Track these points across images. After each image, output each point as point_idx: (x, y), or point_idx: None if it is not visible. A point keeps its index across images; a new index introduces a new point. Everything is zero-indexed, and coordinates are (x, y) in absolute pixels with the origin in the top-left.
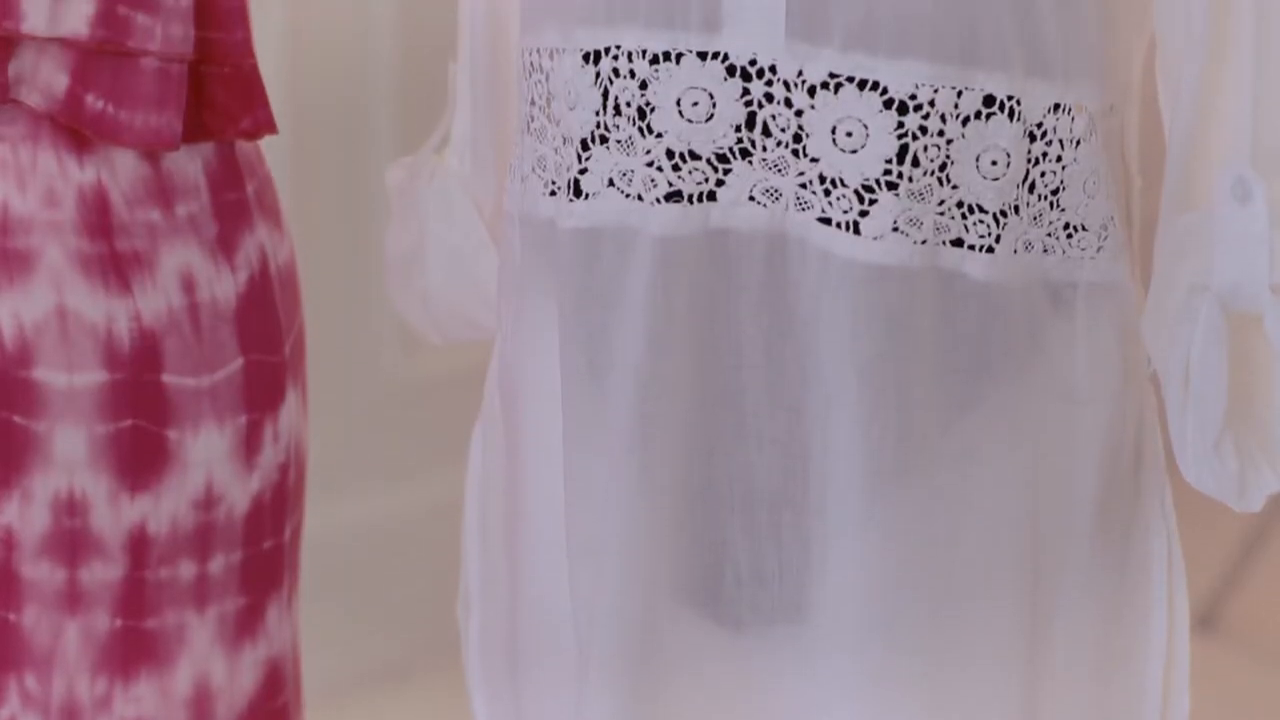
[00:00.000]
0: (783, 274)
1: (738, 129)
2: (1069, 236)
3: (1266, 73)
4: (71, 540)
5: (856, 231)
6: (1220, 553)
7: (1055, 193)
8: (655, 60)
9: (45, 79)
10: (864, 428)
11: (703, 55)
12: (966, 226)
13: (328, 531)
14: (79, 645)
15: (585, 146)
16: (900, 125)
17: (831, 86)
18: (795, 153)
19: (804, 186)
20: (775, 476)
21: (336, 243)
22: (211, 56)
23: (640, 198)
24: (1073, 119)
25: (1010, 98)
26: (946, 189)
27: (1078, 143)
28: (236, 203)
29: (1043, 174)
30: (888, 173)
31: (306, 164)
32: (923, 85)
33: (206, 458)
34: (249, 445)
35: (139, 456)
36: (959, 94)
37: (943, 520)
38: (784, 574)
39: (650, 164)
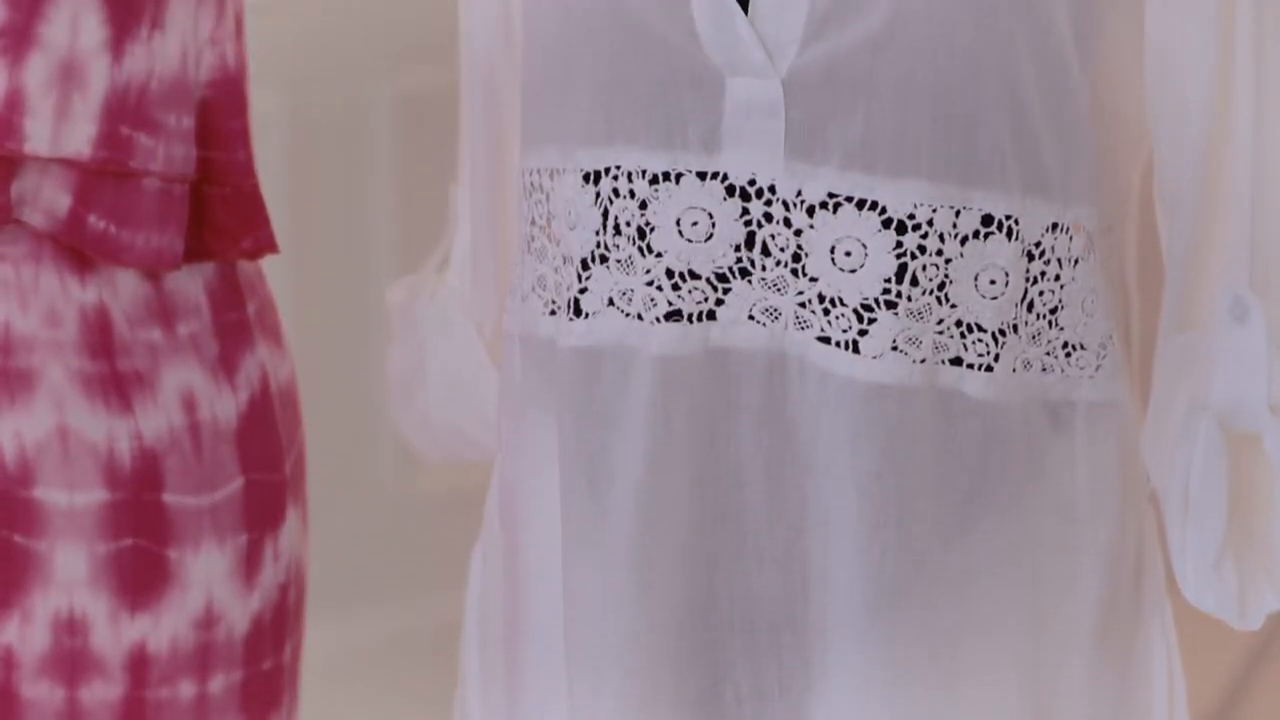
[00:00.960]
0: (782, 393)
1: (737, 248)
2: (1068, 355)
3: (1263, 194)
4: (71, 660)
5: (856, 350)
6: (1223, 670)
7: (1054, 312)
8: (655, 180)
9: (48, 199)
10: (864, 546)
11: (702, 175)
12: (965, 345)
13: (328, 651)
14: None
15: (585, 266)
16: (899, 244)
17: (830, 206)
18: (794, 272)
19: (803, 305)
20: (775, 595)
21: (337, 362)
22: (213, 177)
23: (640, 317)
24: (1071, 238)
25: (1008, 217)
26: (945, 308)
27: (1076, 262)
28: (238, 322)
29: (1041, 293)
30: (886, 292)
31: (308, 284)
32: (921, 205)
33: (207, 577)
34: (249, 564)
35: (139, 576)
36: (957, 213)
37: (943, 639)
38: (784, 692)
39: (650, 283)
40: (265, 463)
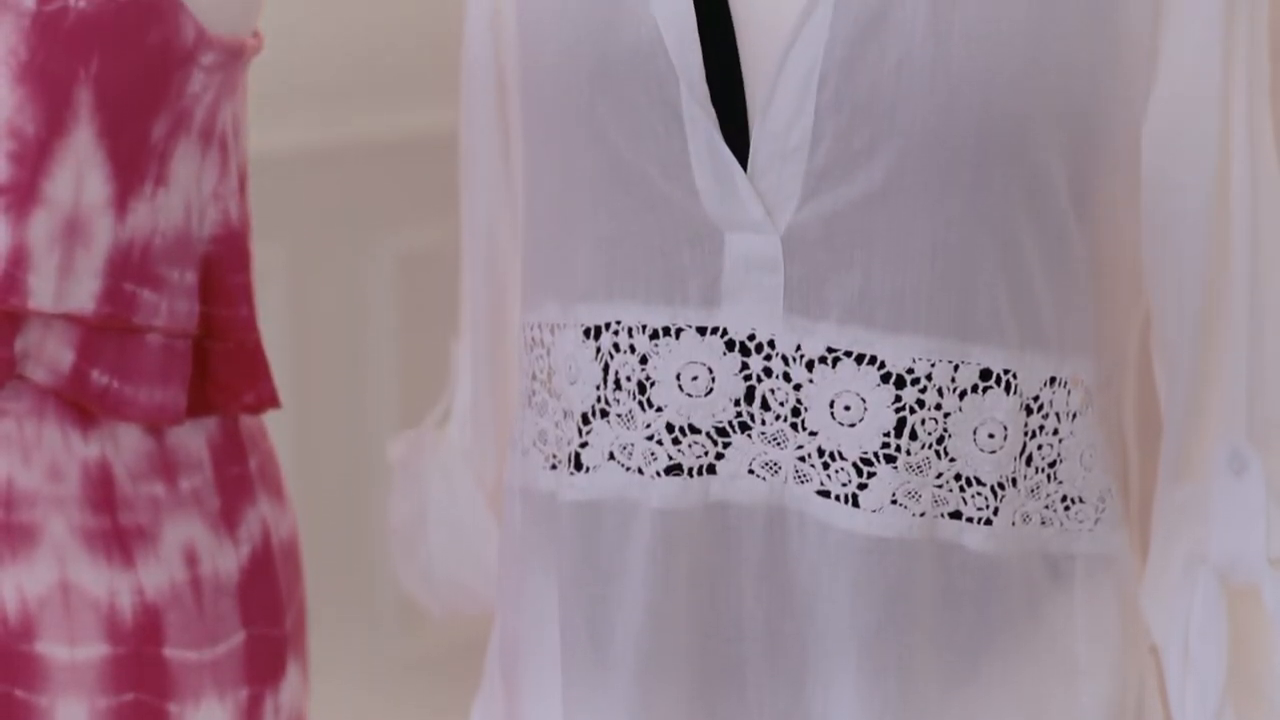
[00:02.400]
0: (782, 546)
1: (737, 403)
2: (1067, 509)
3: (1261, 347)
4: None
5: (855, 504)
6: None
7: (1053, 465)
8: (655, 335)
9: (51, 354)
10: (864, 699)
11: (702, 330)
12: (965, 499)
13: None
14: None
15: (586, 420)
16: (898, 399)
17: (829, 361)
18: (794, 426)
19: (803, 460)
20: None
21: (338, 517)
22: (216, 332)
23: (640, 471)
24: (1069, 392)
25: (1007, 371)
26: (944, 462)
27: (1074, 416)
28: (239, 477)
29: (1040, 447)
30: (886, 446)
31: (309, 438)
32: (920, 359)
33: None
34: (250, 718)
35: None
36: (956, 368)
37: None
38: None
39: (650, 438)
40: (266, 617)
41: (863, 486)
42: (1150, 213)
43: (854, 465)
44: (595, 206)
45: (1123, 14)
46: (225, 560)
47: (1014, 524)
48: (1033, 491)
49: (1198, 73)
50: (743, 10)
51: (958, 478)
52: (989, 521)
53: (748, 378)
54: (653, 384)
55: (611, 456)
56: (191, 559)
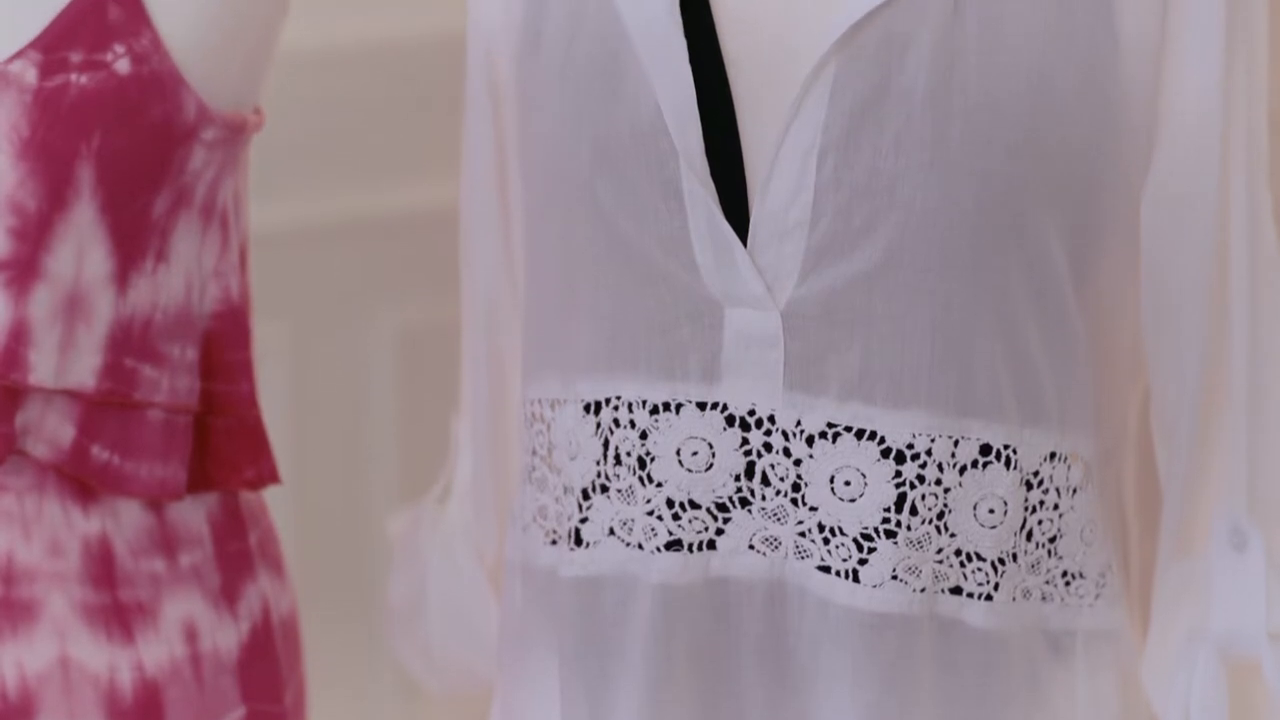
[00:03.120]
0: (782, 621)
1: (737, 478)
2: (1067, 584)
3: (1260, 422)
4: None
5: (855, 579)
6: None
7: (1053, 540)
8: (655, 410)
9: (51, 430)
10: None
11: (702, 405)
12: (965, 574)
13: None
14: None
15: (586, 496)
16: (898, 474)
17: (829, 436)
18: (794, 501)
19: (803, 535)
20: None
21: (338, 593)
22: (217, 408)
23: (641, 546)
24: (1069, 467)
25: (1006, 446)
26: (944, 537)
27: (1074, 491)
28: (239, 553)
29: (1040, 522)
30: (886, 521)
31: (309, 514)
32: (920, 434)
33: None
34: None
35: None
36: (956, 443)
37: None
38: None
39: (650, 513)
40: (266, 693)
41: (863, 562)
42: (1149, 288)
43: (854, 540)
44: (595, 282)
45: (1121, 90)
46: (225, 636)
47: (1014, 599)
48: (1033, 567)
49: (1196, 149)
50: (742, 86)
51: (958, 553)
52: (989, 597)
53: (748, 453)
54: (653, 459)
55: (612, 532)
56: (191, 635)
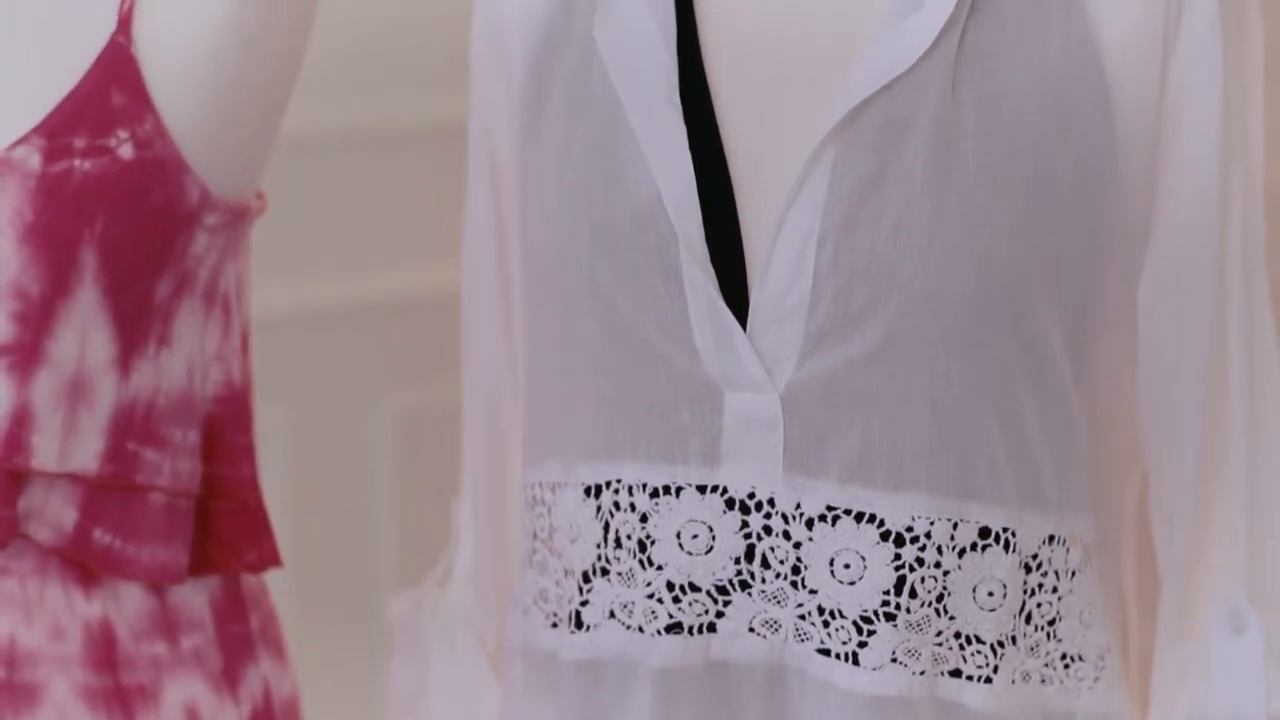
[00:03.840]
0: (783, 704)
1: (737, 561)
2: (1066, 667)
3: (1259, 506)
4: None
5: (855, 662)
6: None
7: (1052, 623)
8: (655, 494)
9: (54, 514)
10: None
11: (702, 489)
12: (964, 657)
13: None
14: None
15: (586, 579)
16: (898, 557)
17: (829, 519)
18: (794, 584)
19: (803, 618)
20: None
21: (340, 675)
22: (218, 491)
23: (641, 629)
24: (1068, 550)
25: (1005, 529)
26: (944, 620)
27: (1073, 574)
28: (241, 635)
29: (1039, 605)
30: (886, 604)
31: (310, 597)
32: (919, 517)
33: None
34: None
35: None
36: (955, 526)
37: None
38: None
39: (651, 596)
40: None
41: (863, 644)
42: (1147, 371)
43: (854, 623)
44: (595, 365)
45: (1117, 172)
46: (226, 719)
47: (1013, 682)
48: (1032, 649)
49: (1193, 233)
50: (742, 171)
51: (957, 635)
52: (989, 680)
53: (748, 536)
54: (653, 542)
55: (612, 615)
56: (193, 718)
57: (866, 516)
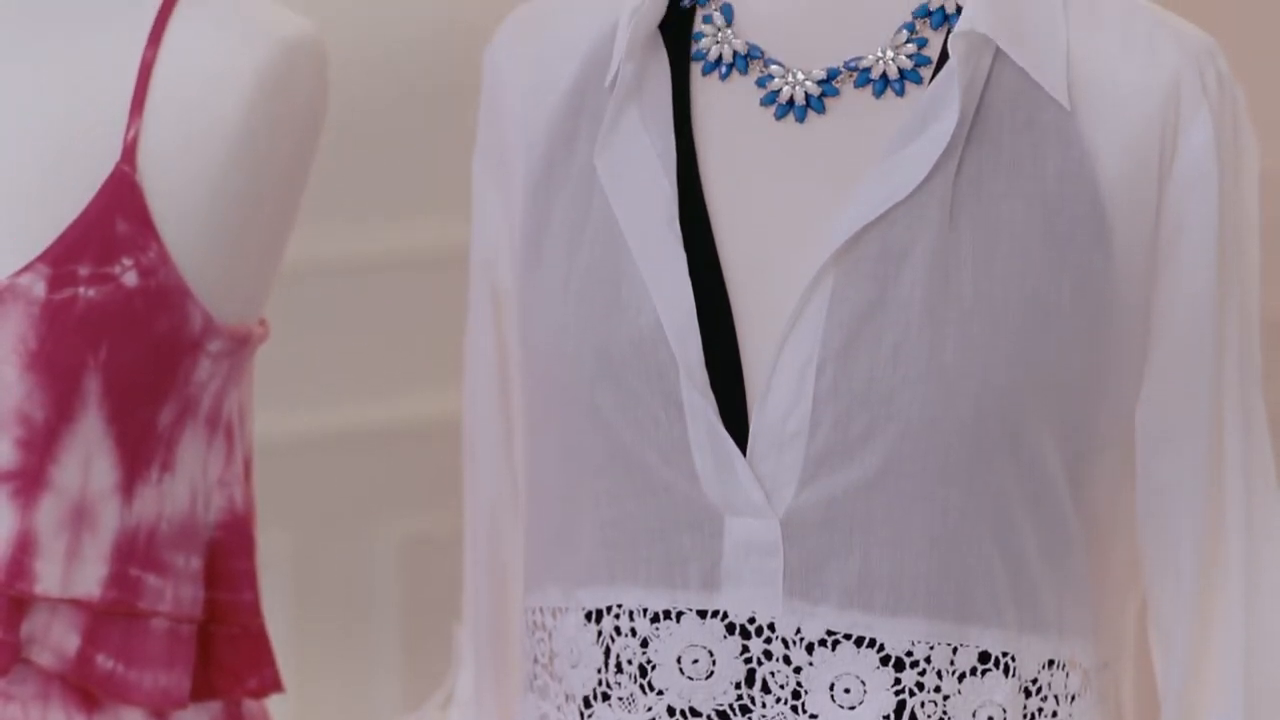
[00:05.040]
0: None
1: (738, 685)
2: None
3: (1257, 635)
4: None
5: None
6: None
7: None
8: (656, 619)
9: (57, 639)
10: None
11: (702, 613)
12: None
13: None
14: None
15: (588, 704)
16: (898, 681)
17: (829, 644)
18: (794, 709)
19: None
20: None
21: None
22: (220, 616)
23: None
24: (1067, 675)
25: (1005, 654)
26: None
27: (1073, 698)
28: None
29: None
30: None
31: None
32: (919, 642)
33: None
34: None
35: None
36: (955, 650)
37: None
38: None
39: None
40: None
41: None
42: (1145, 497)
43: None
44: (596, 491)
45: (1114, 299)
46: None
47: None
48: None
49: (1190, 358)
50: (741, 297)
51: None
52: None
53: (748, 660)
54: (654, 667)
55: None
56: None
57: (866, 641)
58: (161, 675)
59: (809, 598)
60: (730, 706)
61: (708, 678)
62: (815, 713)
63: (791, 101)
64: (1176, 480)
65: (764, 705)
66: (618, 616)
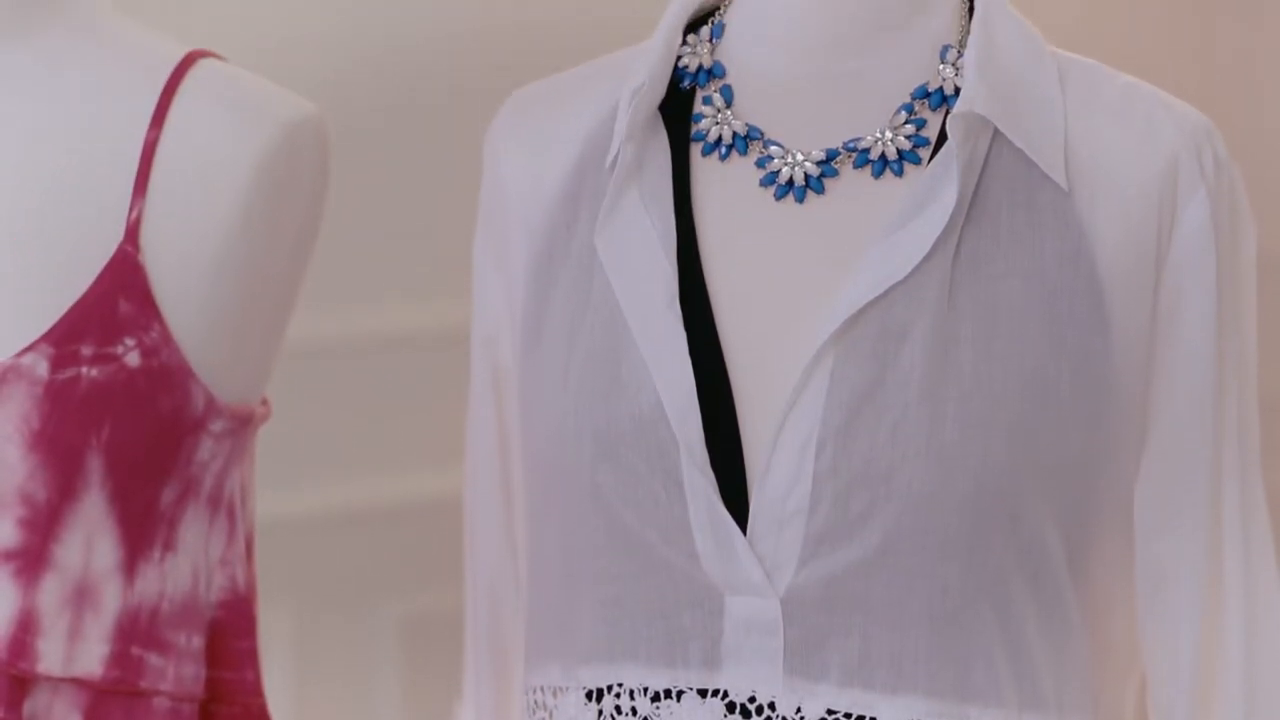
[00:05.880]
0: None
1: None
2: None
3: (1255, 708)
4: None
5: None
6: None
7: None
8: (657, 697)
9: (59, 718)
10: None
11: (703, 692)
12: None
13: None
14: None
15: None
16: None
17: None
18: None
19: None
20: None
21: None
22: (222, 695)
23: None
24: None
25: None
26: None
27: None
28: None
29: None
30: None
31: None
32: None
33: None
34: None
35: None
36: None
37: None
38: None
39: None
40: None
41: None
42: (1144, 578)
43: None
44: (597, 570)
45: (1113, 379)
46: None
47: None
48: None
49: (1188, 440)
50: (741, 375)
51: None
52: None
53: None
54: None
55: None
56: None
57: (867, 719)
58: None
59: (809, 676)
60: None
61: None
62: None
63: (791, 182)
64: (1175, 562)
65: None
66: (618, 695)
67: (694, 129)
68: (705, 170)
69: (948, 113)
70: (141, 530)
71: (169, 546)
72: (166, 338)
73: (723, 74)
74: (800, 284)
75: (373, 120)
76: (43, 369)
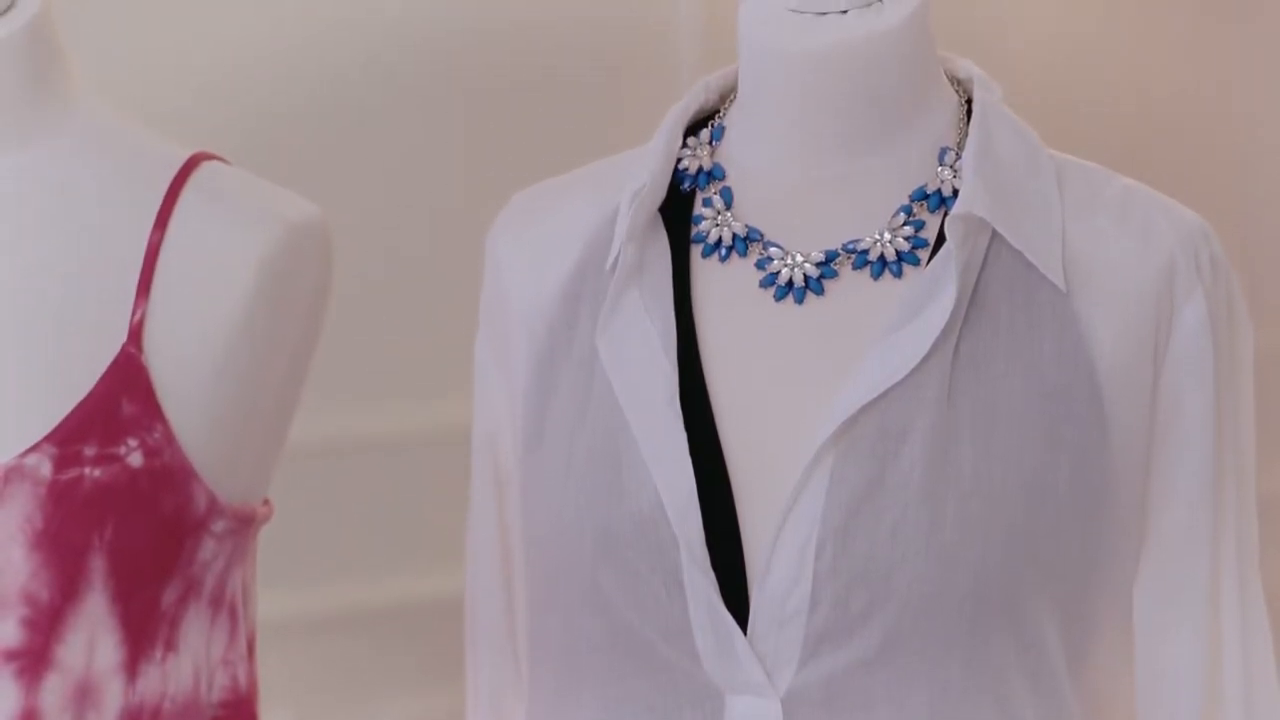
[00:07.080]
0: None
1: None
2: None
3: None
4: None
5: None
6: None
7: None
8: None
9: None
10: None
11: None
12: None
13: None
14: None
15: None
16: None
17: None
18: None
19: None
20: None
21: None
22: None
23: None
24: None
25: None
26: None
27: None
28: None
29: None
30: None
31: None
32: None
33: None
34: None
35: None
36: None
37: None
38: None
39: None
40: None
41: None
42: (1143, 675)
43: None
44: (597, 668)
45: (1111, 477)
46: None
47: None
48: None
49: (1187, 537)
50: (741, 475)
51: None
52: None
53: None
54: None
55: None
56: None
57: None
58: None
59: None
60: None
61: None
62: None
63: (790, 283)
64: (1175, 661)
65: None
66: None
67: (694, 230)
68: (705, 271)
69: (946, 214)
70: (143, 630)
71: (171, 646)
72: (169, 438)
73: (723, 176)
74: (800, 384)
75: (370, 220)
76: (46, 469)
